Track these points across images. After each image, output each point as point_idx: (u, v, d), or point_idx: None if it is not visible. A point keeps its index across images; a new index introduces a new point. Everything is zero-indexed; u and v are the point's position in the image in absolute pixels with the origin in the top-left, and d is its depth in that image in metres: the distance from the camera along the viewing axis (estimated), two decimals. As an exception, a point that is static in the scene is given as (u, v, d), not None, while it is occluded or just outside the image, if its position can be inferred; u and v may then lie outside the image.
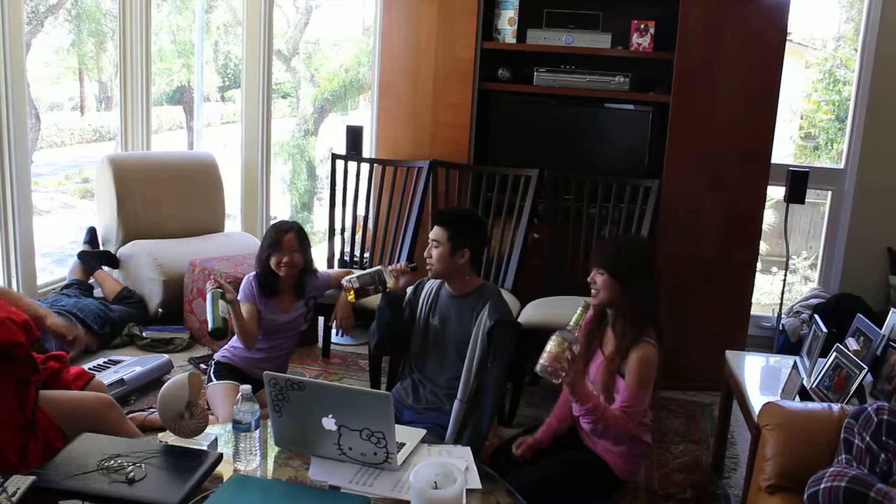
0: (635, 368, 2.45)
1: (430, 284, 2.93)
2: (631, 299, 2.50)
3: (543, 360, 2.26)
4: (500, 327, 2.70)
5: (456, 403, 2.69)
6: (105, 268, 4.30)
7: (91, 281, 4.26)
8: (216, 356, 3.25)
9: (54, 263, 4.72)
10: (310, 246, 3.27)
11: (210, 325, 2.92)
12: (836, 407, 2.24)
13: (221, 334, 2.95)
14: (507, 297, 3.63)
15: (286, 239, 3.12)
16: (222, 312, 2.94)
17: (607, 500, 2.73)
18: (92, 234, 4.41)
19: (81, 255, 4.25)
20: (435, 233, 2.77)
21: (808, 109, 5.91)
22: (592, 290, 2.57)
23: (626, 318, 2.51)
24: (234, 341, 3.23)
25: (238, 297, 3.08)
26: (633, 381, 2.45)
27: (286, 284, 3.20)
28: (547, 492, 2.50)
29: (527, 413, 3.55)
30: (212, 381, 3.12)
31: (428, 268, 2.80)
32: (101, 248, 4.41)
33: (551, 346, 2.27)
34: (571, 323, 2.32)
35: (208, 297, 2.99)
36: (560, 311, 2.83)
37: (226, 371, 3.15)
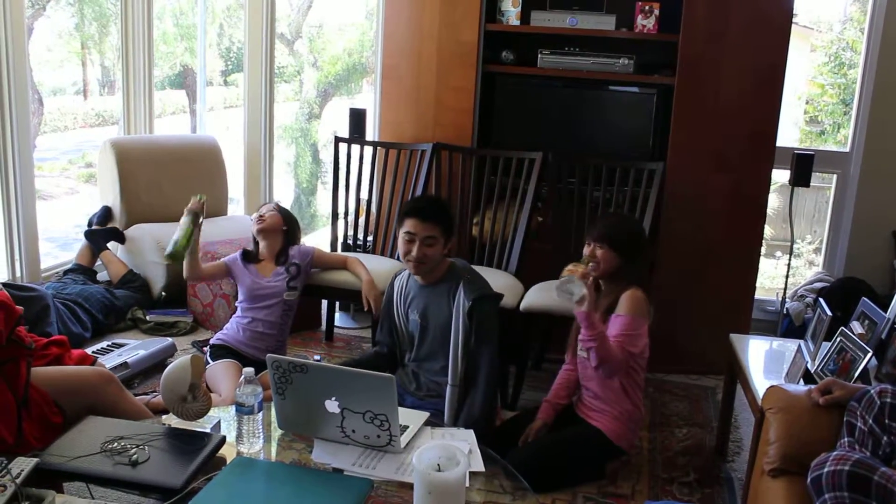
0: (627, 302, 2.60)
1: (400, 280, 2.88)
2: (629, 269, 2.67)
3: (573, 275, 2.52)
4: (480, 304, 2.66)
5: (448, 388, 2.67)
6: (111, 245, 4.27)
7: (97, 263, 4.25)
8: (211, 340, 3.38)
9: (59, 248, 4.71)
10: (296, 222, 3.55)
11: (169, 248, 3.19)
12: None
13: (177, 259, 3.22)
14: (511, 280, 3.63)
15: (264, 205, 3.55)
16: (178, 240, 3.18)
17: (604, 467, 2.75)
18: (105, 213, 4.32)
19: (88, 235, 4.23)
20: (427, 228, 2.64)
21: (814, 94, 5.87)
22: (592, 265, 2.65)
23: (621, 284, 2.65)
24: (228, 324, 3.38)
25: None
26: (625, 310, 2.59)
27: (267, 254, 3.43)
28: (545, 468, 2.53)
29: (530, 397, 3.54)
30: (209, 363, 3.22)
31: (415, 264, 2.68)
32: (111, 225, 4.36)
33: (571, 266, 2.55)
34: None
35: (184, 219, 3.22)
36: (564, 295, 2.86)
37: (222, 351, 3.29)
